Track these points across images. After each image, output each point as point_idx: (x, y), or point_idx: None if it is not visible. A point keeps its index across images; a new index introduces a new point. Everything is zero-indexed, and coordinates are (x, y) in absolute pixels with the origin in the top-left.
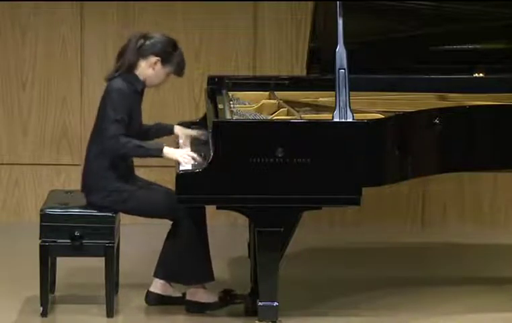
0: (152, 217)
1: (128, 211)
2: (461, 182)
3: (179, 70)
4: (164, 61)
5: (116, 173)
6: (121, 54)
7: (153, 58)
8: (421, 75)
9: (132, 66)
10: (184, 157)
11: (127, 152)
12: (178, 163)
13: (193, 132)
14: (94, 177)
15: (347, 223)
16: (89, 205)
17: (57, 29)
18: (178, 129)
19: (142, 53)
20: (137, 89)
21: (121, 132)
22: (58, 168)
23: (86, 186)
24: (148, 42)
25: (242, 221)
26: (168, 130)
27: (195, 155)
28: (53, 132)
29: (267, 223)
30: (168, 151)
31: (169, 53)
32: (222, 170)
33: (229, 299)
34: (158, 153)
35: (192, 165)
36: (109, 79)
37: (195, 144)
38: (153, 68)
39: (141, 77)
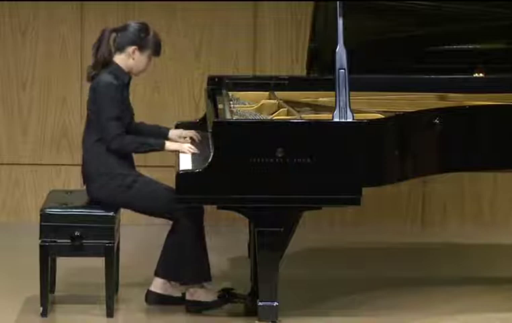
0: (151, 214)
1: (129, 201)
2: (461, 182)
3: (157, 51)
4: (141, 48)
5: (117, 160)
6: (96, 50)
7: (130, 48)
8: (421, 75)
9: (107, 61)
10: (186, 149)
11: (132, 150)
12: (178, 162)
13: (189, 133)
14: (95, 162)
15: (347, 223)
16: (90, 197)
17: (57, 29)
18: (173, 134)
19: (117, 47)
20: (124, 81)
21: (121, 129)
22: (58, 168)
23: (89, 175)
24: (120, 34)
25: (242, 221)
26: (164, 135)
27: (195, 150)
28: (53, 132)
29: (267, 223)
30: (169, 145)
31: (143, 38)
32: (222, 170)
33: (228, 297)
34: (161, 148)
35: (192, 160)
36: (92, 77)
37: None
38: (133, 58)
39: (125, 69)
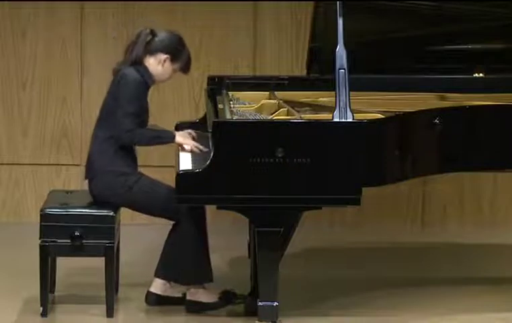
0: (151, 213)
1: (131, 200)
2: (461, 182)
3: (186, 68)
4: (173, 59)
5: (123, 158)
6: (129, 48)
7: (162, 56)
8: (421, 75)
9: (139, 61)
10: (190, 145)
11: (142, 144)
12: (178, 162)
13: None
14: (101, 160)
15: (347, 223)
16: (92, 193)
17: (57, 29)
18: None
19: (150, 49)
20: (148, 83)
21: (135, 125)
22: (58, 168)
23: (92, 170)
24: (156, 39)
25: (242, 221)
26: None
27: (201, 147)
28: (53, 132)
29: (267, 223)
30: (179, 138)
31: (178, 51)
32: (222, 170)
33: (228, 299)
34: (171, 140)
35: (192, 160)
36: (119, 70)
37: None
38: (162, 66)
39: (152, 73)
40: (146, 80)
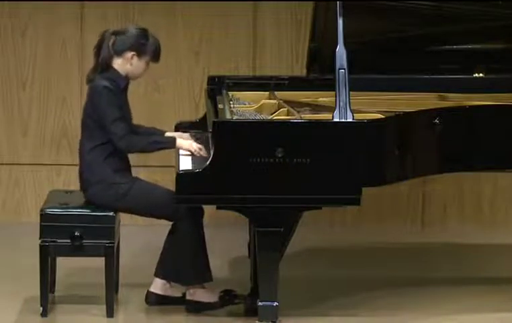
0: (150, 215)
1: (127, 207)
2: (461, 182)
3: (156, 57)
4: (139, 54)
5: (112, 166)
6: (96, 53)
7: (128, 54)
8: (421, 75)
9: (107, 64)
10: (195, 149)
11: (140, 149)
12: (178, 162)
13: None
14: (91, 170)
15: (347, 223)
16: (88, 202)
17: (57, 29)
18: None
19: (115, 51)
20: (120, 86)
21: (127, 129)
22: (58, 168)
23: (84, 182)
24: (119, 38)
25: (242, 221)
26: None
27: (204, 153)
28: (53, 132)
29: (267, 223)
30: (181, 142)
31: (142, 44)
32: (222, 170)
33: (229, 299)
34: (172, 145)
35: (192, 160)
36: (91, 80)
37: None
38: (130, 63)
39: (122, 74)
40: (118, 83)
